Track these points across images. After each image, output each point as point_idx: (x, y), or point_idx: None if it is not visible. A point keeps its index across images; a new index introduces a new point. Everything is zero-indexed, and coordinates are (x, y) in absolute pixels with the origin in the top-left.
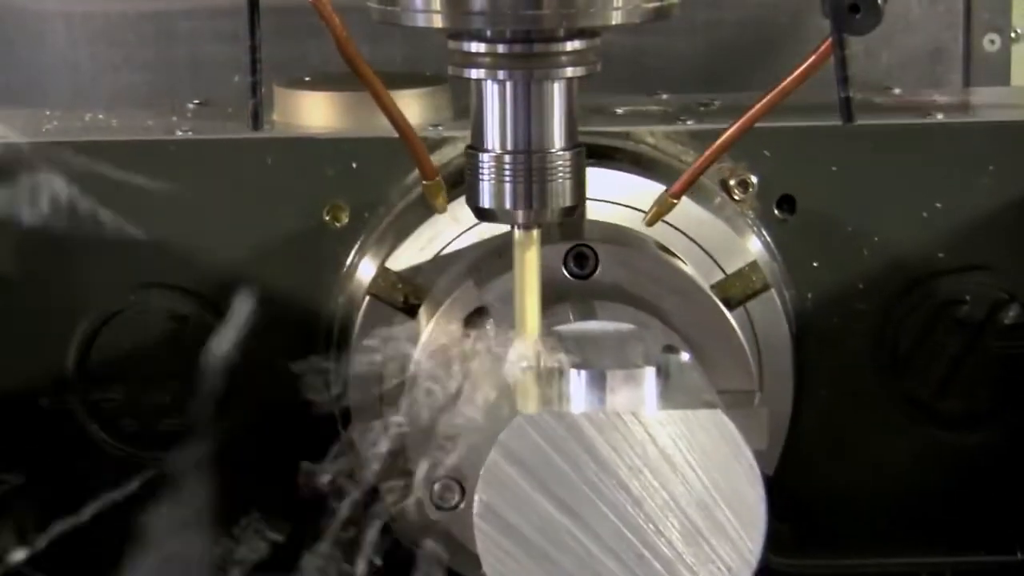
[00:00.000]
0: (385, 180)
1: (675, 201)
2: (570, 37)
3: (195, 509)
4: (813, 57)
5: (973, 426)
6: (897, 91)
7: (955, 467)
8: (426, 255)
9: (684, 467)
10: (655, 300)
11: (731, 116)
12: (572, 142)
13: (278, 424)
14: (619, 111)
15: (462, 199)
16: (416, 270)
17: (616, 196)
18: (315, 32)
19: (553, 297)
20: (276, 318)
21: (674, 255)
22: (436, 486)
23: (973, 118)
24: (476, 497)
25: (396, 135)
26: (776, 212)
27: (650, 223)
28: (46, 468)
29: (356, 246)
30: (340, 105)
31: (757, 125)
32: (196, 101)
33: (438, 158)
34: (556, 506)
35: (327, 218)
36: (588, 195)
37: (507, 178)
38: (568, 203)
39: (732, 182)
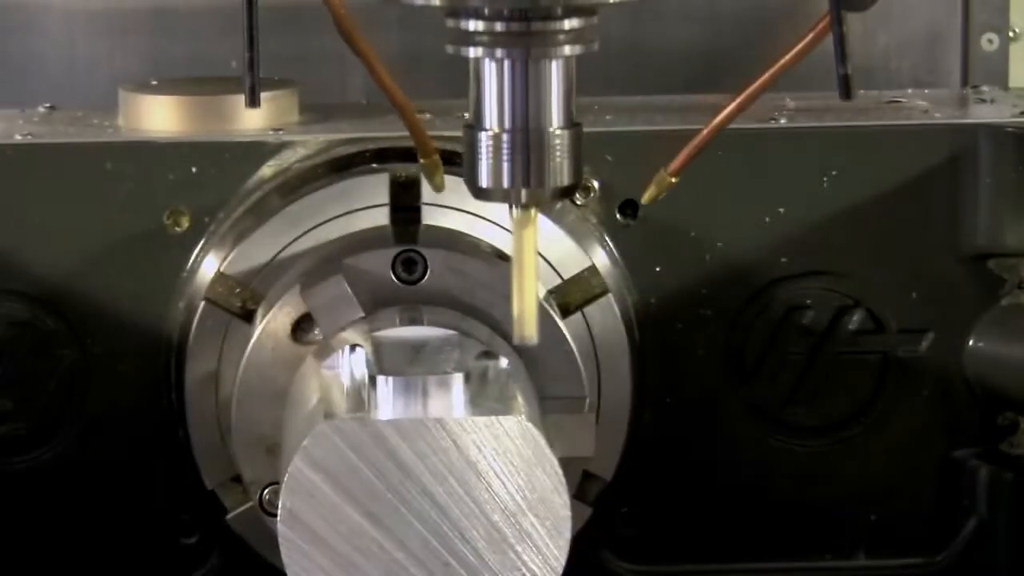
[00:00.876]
0: (226, 185)
1: (673, 180)
2: (568, 15)
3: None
4: (811, 34)
5: (818, 433)
6: None
7: (801, 474)
8: (263, 260)
9: (489, 474)
10: (485, 306)
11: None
12: (570, 121)
13: (118, 429)
14: None
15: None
16: (253, 274)
17: None
18: (312, 30)
19: (380, 302)
20: (116, 324)
21: (509, 261)
22: (266, 492)
23: (813, 123)
24: (280, 504)
25: (237, 140)
26: (618, 217)
27: (648, 201)
28: None
29: (196, 251)
30: (184, 109)
31: (599, 130)
32: (47, 104)
33: (278, 163)
34: (361, 513)
35: (168, 222)
36: None
37: (505, 157)
38: (566, 182)
39: None
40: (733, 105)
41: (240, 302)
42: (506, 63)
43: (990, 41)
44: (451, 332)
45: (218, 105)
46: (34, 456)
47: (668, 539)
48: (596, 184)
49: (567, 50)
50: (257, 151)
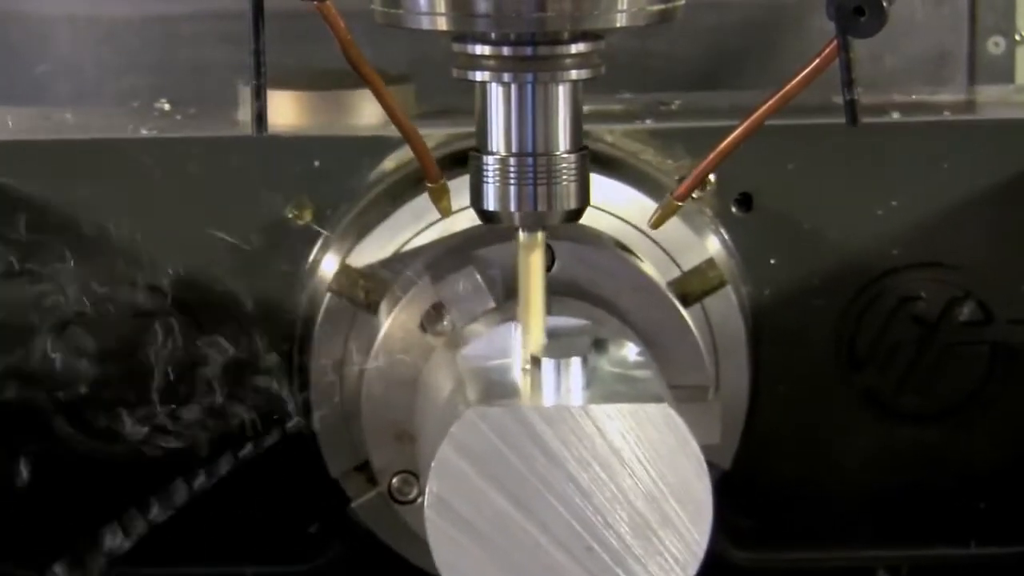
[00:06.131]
0: (348, 178)
1: (679, 204)
2: (575, 39)
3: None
4: (818, 60)
5: (930, 422)
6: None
7: (912, 462)
8: (387, 252)
9: (632, 460)
10: (611, 296)
11: (690, 117)
12: (577, 144)
13: (240, 418)
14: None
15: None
16: (377, 267)
17: None
18: (317, 36)
19: (510, 293)
20: (240, 314)
21: (632, 252)
22: (394, 479)
23: (926, 117)
24: (427, 489)
25: (359, 135)
26: (734, 210)
27: (655, 226)
28: (11, 461)
29: (319, 243)
30: (305, 104)
31: (716, 124)
32: (163, 101)
33: (399, 156)
34: (507, 498)
35: (290, 215)
36: None
37: (512, 181)
38: (573, 206)
39: None
40: (737, 132)
41: (364, 293)
42: (513, 87)
43: (996, 44)
44: (583, 321)
45: (340, 100)
46: (152, 445)
47: (783, 527)
48: (712, 177)
49: (574, 74)
50: (379, 145)
